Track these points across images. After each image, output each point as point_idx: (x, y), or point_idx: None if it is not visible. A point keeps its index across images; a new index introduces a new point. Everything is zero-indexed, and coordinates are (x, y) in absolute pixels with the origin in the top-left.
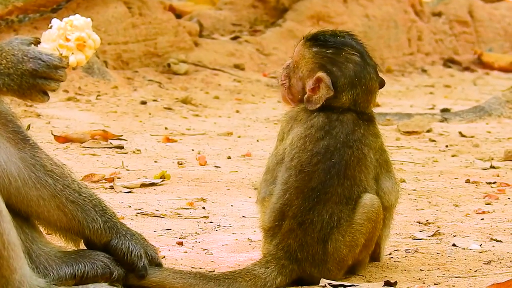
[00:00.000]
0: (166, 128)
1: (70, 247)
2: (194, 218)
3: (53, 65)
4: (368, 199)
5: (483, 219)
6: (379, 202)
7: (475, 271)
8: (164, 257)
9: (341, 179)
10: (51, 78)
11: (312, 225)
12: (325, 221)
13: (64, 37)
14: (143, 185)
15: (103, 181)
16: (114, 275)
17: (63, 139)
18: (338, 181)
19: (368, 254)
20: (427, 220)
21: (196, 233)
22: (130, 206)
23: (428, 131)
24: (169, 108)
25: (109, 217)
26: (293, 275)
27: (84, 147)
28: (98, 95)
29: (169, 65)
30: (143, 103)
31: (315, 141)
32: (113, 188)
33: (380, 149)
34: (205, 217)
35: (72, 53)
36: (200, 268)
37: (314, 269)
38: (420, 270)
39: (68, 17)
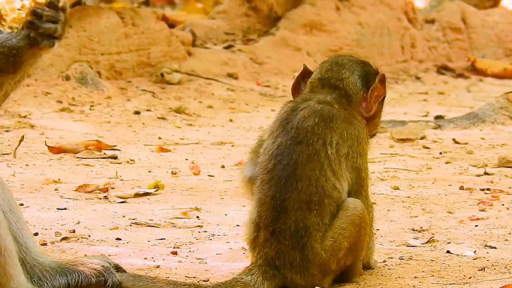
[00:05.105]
0: (159, 138)
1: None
2: (188, 228)
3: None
4: (351, 202)
5: (477, 225)
6: (363, 206)
7: (469, 278)
8: (158, 266)
9: (294, 183)
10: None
11: (282, 233)
12: (292, 229)
13: None
14: (137, 195)
15: (97, 191)
16: (108, 283)
17: (57, 150)
18: (291, 184)
19: (359, 261)
20: (421, 227)
21: (190, 242)
22: (124, 216)
23: (422, 138)
24: (163, 118)
25: None
26: (277, 280)
27: (78, 157)
28: (92, 106)
29: (162, 74)
30: (137, 113)
31: (274, 139)
32: (107, 198)
33: (346, 158)
34: (199, 226)
35: None
36: (194, 277)
37: (296, 276)
38: (415, 277)
39: None
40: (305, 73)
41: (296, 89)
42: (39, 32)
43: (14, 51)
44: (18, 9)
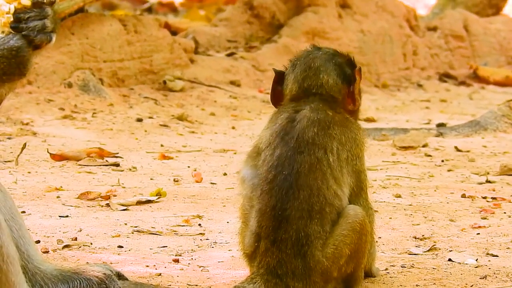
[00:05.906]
0: (162, 145)
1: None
2: (190, 235)
3: None
4: (352, 209)
5: (479, 233)
6: (363, 213)
7: (471, 286)
8: (160, 274)
9: (296, 192)
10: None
11: (283, 242)
12: (294, 237)
13: None
14: (139, 203)
15: (99, 198)
16: None
17: (59, 157)
18: (293, 194)
19: (360, 268)
20: (423, 235)
21: (192, 250)
22: (126, 224)
23: (424, 146)
24: (165, 125)
25: None
26: None
27: (80, 165)
28: (94, 113)
29: (164, 82)
30: (139, 120)
31: (272, 150)
32: (109, 205)
33: (347, 162)
34: (201, 234)
35: None
36: (196, 285)
37: (298, 284)
38: (416, 285)
39: None
40: (279, 77)
41: (276, 96)
42: (29, 30)
43: (13, 52)
44: (7, 13)
